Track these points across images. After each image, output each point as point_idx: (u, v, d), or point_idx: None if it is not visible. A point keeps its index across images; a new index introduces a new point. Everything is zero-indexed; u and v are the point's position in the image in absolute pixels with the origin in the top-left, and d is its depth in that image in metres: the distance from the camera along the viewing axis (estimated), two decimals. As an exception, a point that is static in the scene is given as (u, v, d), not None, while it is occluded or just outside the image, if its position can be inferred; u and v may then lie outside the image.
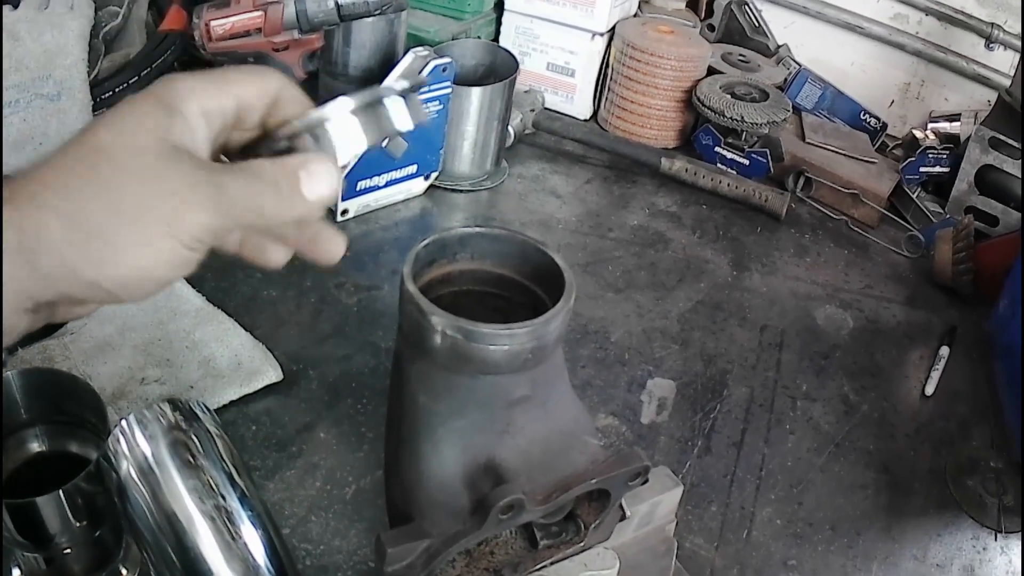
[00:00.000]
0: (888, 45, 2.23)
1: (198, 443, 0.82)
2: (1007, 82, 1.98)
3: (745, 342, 1.49)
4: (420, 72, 1.50)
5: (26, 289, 0.53)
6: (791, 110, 1.94)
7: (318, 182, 0.61)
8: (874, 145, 2.10)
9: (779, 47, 2.30)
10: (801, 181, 1.92)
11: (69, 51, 1.40)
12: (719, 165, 1.94)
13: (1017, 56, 2.06)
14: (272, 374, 1.20)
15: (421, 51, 1.56)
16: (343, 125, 0.62)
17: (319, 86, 1.71)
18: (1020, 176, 1.79)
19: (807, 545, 1.15)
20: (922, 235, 1.82)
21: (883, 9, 2.21)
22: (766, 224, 1.83)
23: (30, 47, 1.37)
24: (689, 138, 2.04)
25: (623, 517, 0.87)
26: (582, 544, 0.85)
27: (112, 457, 0.81)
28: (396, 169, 1.59)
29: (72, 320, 0.52)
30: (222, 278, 1.37)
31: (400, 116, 0.65)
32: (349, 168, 1.50)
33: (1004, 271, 1.54)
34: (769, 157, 1.90)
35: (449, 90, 1.57)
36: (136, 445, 0.80)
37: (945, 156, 1.95)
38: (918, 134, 2.08)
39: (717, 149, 1.94)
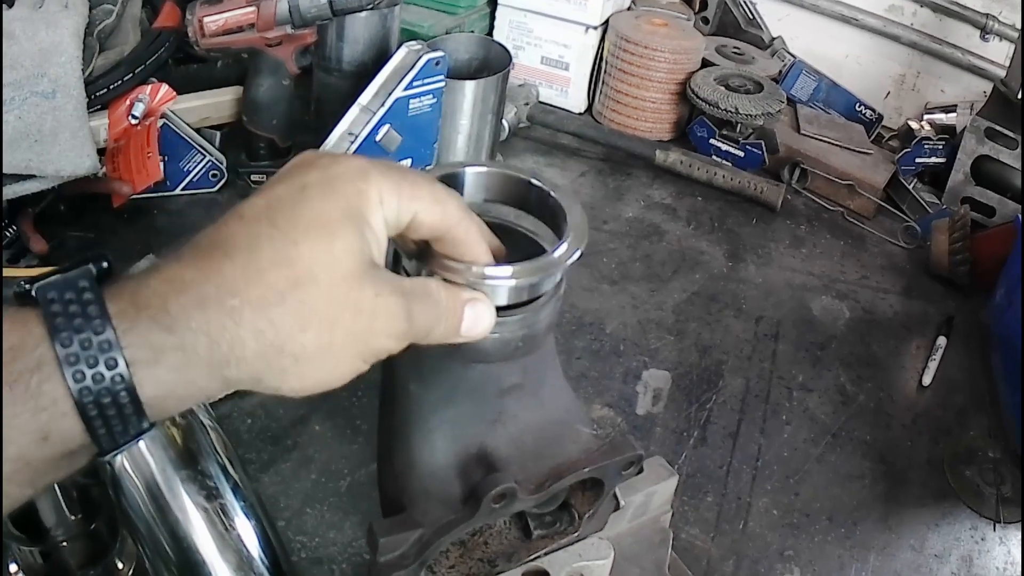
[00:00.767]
0: (883, 36, 2.23)
1: (192, 435, 0.82)
2: (1003, 73, 1.98)
3: (741, 333, 1.49)
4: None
5: (206, 392, 0.53)
6: (786, 102, 1.94)
7: (478, 323, 0.65)
8: (870, 136, 2.10)
9: (773, 39, 2.30)
10: (796, 172, 1.93)
11: (64, 49, 1.39)
12: (714, 157, 1.94)
13: (1012, 47, 2.06)
14: (267, 369, 1.20)
15: (414, 45, 1.56)
16: (500, 288, 0.67)
17: (313, 81, 1.71)
18: (1017, 167, 1.79)
19: (804, 535, 1.16)
20: (918, 226, 1.82)
21: (878, 1, 2.21)
22: (761, 215, 1.83)
23: (25, 45, 1.36)
24: (684, 130, 2.05)
25: (617, 507, 0.87)
26: (576, 534, 0.85)
27: (106, 449, 0.81)
28: (391, 162, 1.59)
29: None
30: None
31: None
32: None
33: (1000, 261, 1.54)
34: (764, 149, 1.90)
35: (443, 84, 1.57)
36: (131, 438, 0.80)
37: (941, 147, 1.95)
38: (914, 125, 2.08)
39: (712, 141, 1.95)
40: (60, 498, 0.82)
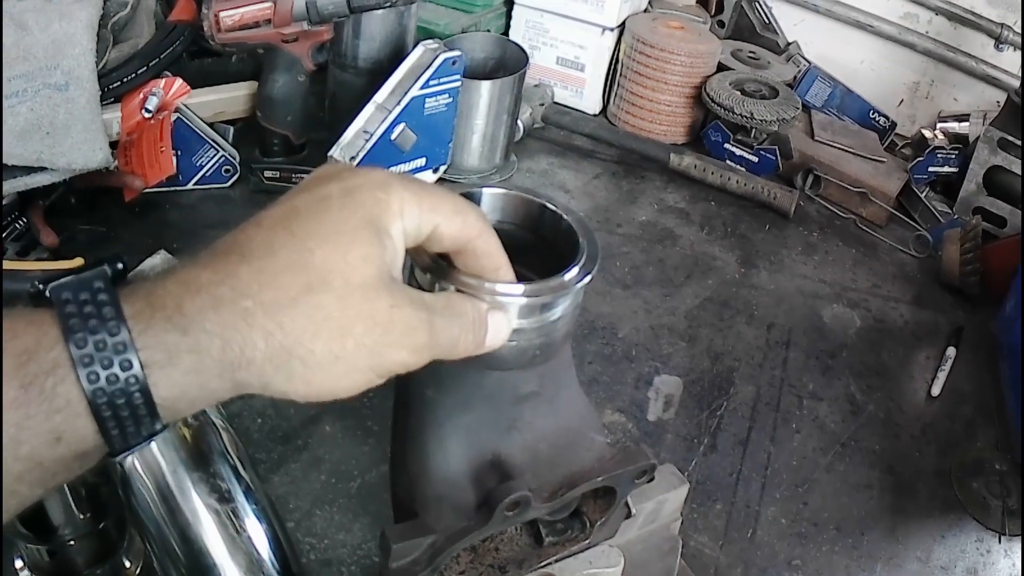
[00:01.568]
0: (898, 44, 2.22)
1: (203, 436, 0.82)
2: (1016, 83, 1.98)
3: (752, 340, 1.48)
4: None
5: (217, 395, 0.53)
6: (800, 108, 1.93)
7: (499, 334, 0.66)
8: (883, 144, 2.10)
9: (789, 44, 2.29)
10: (810, 179, 1.92)
11: (77, 41, 1.39)
12: (728, 162, 1.94)
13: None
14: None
15: (431, 44, 1.55)
16: (512, 307, 0.68)
17: (328, 78, 1.71)
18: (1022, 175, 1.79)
19: (811, 545, 1.15)
20: (930, 235, 1.81)
21: (893, 8, 2.20)
22: (774, 221, 1.83)
23: (38, 36, 1.36)
24: (698, 134, 2.04)
25: (629, 515, 0.87)
26: (587, 541, 0.85)
27: (117, 449, 0.81)
28: (405, 162, 1.59)
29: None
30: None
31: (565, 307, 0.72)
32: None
33: (1011, 272, 1.54)
34: (778, 154, 1.89)
35: (459, 83, 1.57)
36: (141, 437, 0.80)
37: (954, 156, 1.94)
38: (927, 134, 2.07)
39: (726, 146, 1.94)
40: (69, 497, 0.81)
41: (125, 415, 0.49)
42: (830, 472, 1.27)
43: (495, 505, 0.70)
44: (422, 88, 1.52)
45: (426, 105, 1.54)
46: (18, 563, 0.91)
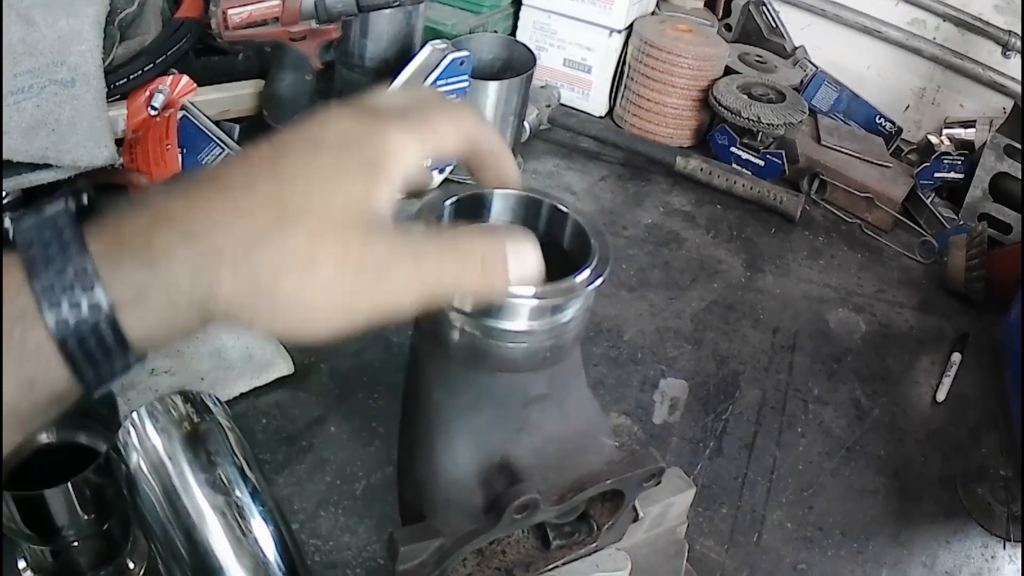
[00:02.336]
0: (905, 50, 2.21)
1: (210, 437, 0.82)
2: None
3: (758, 344, 1.48)
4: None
5: (187, 328, 0.51)
6: (807, 112, 1.93)
7: (524, 262, 0.58)
8: (889, 149, 2.10)
9: (796, 48, 2.29)
10: (816, 183, 1.92)
11: (84, 37, 1.39)
12: (734, 165, 1.94)
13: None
14: (283, 366, 1.20)
15: (439, 44, 1.55)
16: (522, 308, 0.69)
17: (335, 77, 1.71)
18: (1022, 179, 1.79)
19: (817, 549, 1.15)
20: (935, 241, 1.81)
21: (901, 13, 2.20)
22: (780, 225, 1.83)
23: (45, 32, 1.36)
24: (704, 137, 2.04)
25: (636, 518, 0.87)
26: (594, 545, 0.85)
27: (122, 449, 0.80)
28: (410, 162, 1.58)
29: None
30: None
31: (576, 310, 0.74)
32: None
33: (1016, 279, 1.54)
34: (784, 158, 1.89)
35: (466, 84, 1.56)
36: (147, 438, 0.80)
37: (960, 162, 1.94)
38: (933, 139, 2.07)
39: (732, 149, 1.94)
40: (73, 497, 0.81)
41: (96, 355, 0.48)
42: (835, 477, 1.26)
43: (504, 508, 0.70)
44: (430, 88, 1.52)
45: (433, 105, 1.54)
46: (21, 564, 0.91)
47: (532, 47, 1.79)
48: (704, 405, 1.33)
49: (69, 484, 0.79)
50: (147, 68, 1.51)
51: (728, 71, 2.04)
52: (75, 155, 1.32)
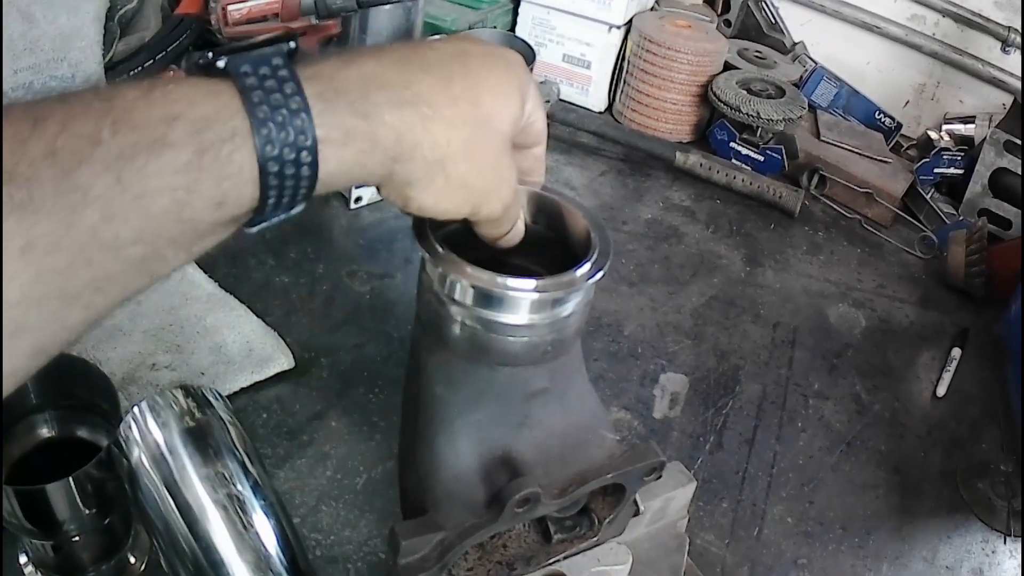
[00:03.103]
0: (904, 45, 2.21)
1: (211, 431, 0.82)
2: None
3: (758, 339, 1.48)
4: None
5: (371, 179, 0.59)
6: (807, 107, 1.93)
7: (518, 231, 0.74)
8: (888, 145, 2.09)
9: (795, 44, 2.29)
10: (815, 179, 1.92)
11: (84, 34, 1.39)
12: (734, 161, 1.94)
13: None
14: (284, 361, 1.20)
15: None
16: (523, 300, 0.71)
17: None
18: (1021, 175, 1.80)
19: (818, 544, 1.15)
20: (935, 236, 1.81)
21: (900, 9, 2.20)
22: (780, 221, 1.83)
23: (45, 29, 1.36)
24: (704, 133, 2.04)
25: (637, 512, 0.87)
26: (595, 539, 0.85)
27: (123, 444, 0.80)
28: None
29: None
30: (234, 264, 1.37)
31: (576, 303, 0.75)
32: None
33: (1016, 275, 1.54)
34: (784, 154, 1.89)
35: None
36: (148, 432, 0.80)
37: (959, 158, 1.94)
38: (932, 135, 2.07)
39: (732, 145, 1.94)
40: (75, 492, 0.81)
41: (288, 186, 0.53)
42: (836, 471, 1.26)
43: (505, 502, 0.70)
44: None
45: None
46: (22, 558, 0.91)
47: (531, 42, 1.79)
48: (704, 400, 1.33)
49: (70, 478, 0.79)
50: (147, 64, 1.51)
51: (727, 67, 2.04)
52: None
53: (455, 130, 0.59)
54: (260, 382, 1.18)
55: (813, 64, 2.23)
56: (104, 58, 1.44)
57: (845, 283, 1.69)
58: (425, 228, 0.71)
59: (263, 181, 0.51)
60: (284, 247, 1.43)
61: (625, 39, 2.04)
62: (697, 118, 2.04)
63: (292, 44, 0.54)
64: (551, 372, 0.77)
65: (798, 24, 2.31)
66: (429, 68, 0.59)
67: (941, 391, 1.45)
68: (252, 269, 1.38)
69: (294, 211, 0.56)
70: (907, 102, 2.27)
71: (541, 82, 1.96)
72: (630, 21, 2.03)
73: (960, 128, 2.10)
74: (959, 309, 1.68)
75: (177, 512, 0.78)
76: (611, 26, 2.00)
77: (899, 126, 2.19)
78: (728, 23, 2.30)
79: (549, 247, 0.79)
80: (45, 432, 0.92)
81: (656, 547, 0.94)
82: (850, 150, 1.97)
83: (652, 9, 2.16)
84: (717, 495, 1.19)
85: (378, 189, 0.61)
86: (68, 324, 0.49)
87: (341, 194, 1.56)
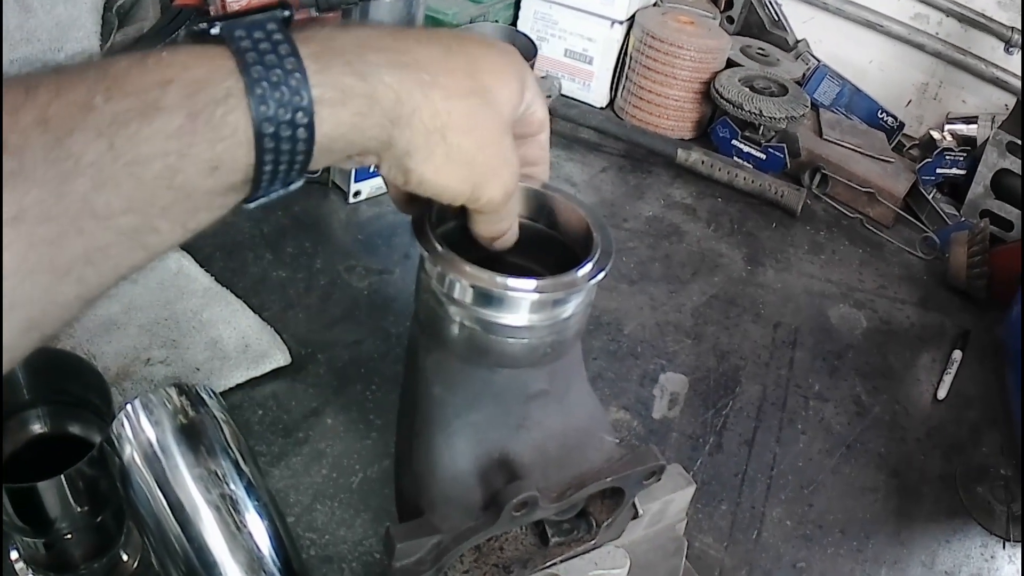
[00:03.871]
0: (907, 44, 2.20)
1: (205, 430, 0.81)
2: (1025, 86, 1.97)
3: (758, 339, 1.47)
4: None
5: (370, 145, 0.57)
6: (809, 106, 1.92)
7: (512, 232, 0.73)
8: (891, 144, 2.09)
9: (798, 42, 2.28)
10: (817, 178, 1.91)
11: (82, 24, 1.38)
12: (735, 158, 1.93)
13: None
14: (280, 357, 1.19)
15: (440, 34, 1.54)
16: (523, 300, 0.70)
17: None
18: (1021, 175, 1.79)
19: (816, 547, 1.14)
20: (937, 237, 1.81)
21: (904, 8, 2.19)
22: (781, 219, 1.82)
23: (42, 19, 1.35)
24: (706, 130, 2.03)
25: (636, 515, 0.86)
26: (593, 542, 0.84)
27: (116, 441, 0.80)
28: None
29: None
30: (231, 258, 1.36)
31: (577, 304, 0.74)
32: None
33: (1018, 277, 1.53)
34: (786, 152, 1.88)
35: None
36: (141, 430, 0.79)
37: (962, 158, 1.93)
38: (935, 135, 2.07)
39: (734, 142, 1.93)
40: (67, 489, 0.80)
41: (285, 149, 0.52)
42: (836, 474, 1.26)
43: (503, 505, 0.69)
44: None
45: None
46: (14, 556, 0.90)
47: (533, 37, 1.78)
48: (704, 400, 1.33)
49: (62, 476, 0.78)
50: (145, 55, 1.50)
51: (730, 64, 2.03)
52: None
53: (455, 101, 0.58)
54: (256, 378, 1.17)
55: (816, 62, 2.22)
56: (101, 48, 1.44)
57: (846, 283, 1.68)
58: (424, 225, 0.70)
59: (258, 143, 0.51)
60: (282, 241, 1.42)
61: (627, 35, 2.03)
62: (699, 115, 2.03)
63: (287, 12, 0.53)
64: (550, 374, 0.76)
65: (801, 21, 2.30)
66: (426, 40, 0.60)
67: (942, 394, 1.45)
68: (249, 263, 1.37)
69: (292, 185, 0.55)
70: (909, 101, 2.27)
71: (543, 77, 1.96)
72: (632, 17, 2.02)
73: (962, 128, 2.09)
74: (960, 311, 1.68)
75: (169, 511, 0.77)
76: (613, 21, 1.99)
77: (901, 125, 2.18)
78: (731, 20, 2.29)
79: (550, 246, 0.78)
80: (37, 428, 0.92)
81: (654, 550, 0.93)
82: (852, 149, 1.96)
83: (655, 5, 2.14)
84: (716, 497, 1.18)
85: (378, 168, 0.61)
86: (60, 300, 0.49)
87: (340, 188, 1.55)
